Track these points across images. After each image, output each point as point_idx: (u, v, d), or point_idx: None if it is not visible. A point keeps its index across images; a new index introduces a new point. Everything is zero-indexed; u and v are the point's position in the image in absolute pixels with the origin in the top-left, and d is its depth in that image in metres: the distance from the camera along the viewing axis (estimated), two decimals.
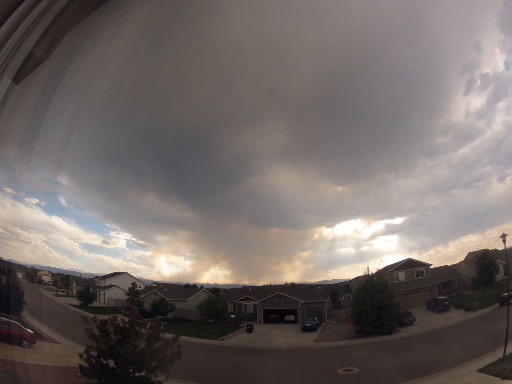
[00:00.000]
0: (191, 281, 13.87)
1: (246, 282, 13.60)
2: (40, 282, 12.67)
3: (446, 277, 12.28)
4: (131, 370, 9.36)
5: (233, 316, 13.58)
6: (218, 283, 13.66)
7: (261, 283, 13.52)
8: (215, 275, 13.37)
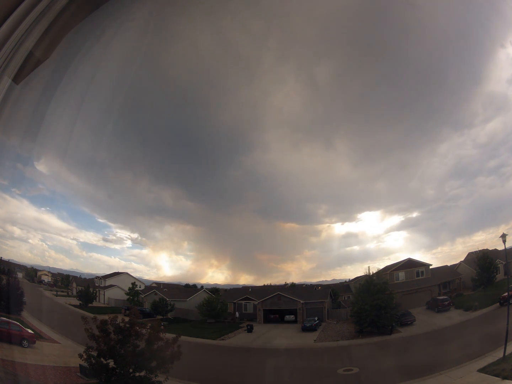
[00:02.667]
0: (191, 281, 13.86)
1: (248, 282, 13.36)
2: (40, 282, 12.67)
3: (446, 277, 12.26)
4: (131, 370, 9.37)
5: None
6: (218, 283, 13.64)
7: (262, 283, 13.31)
8: (215, 275, 13.33)
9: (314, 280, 13.07)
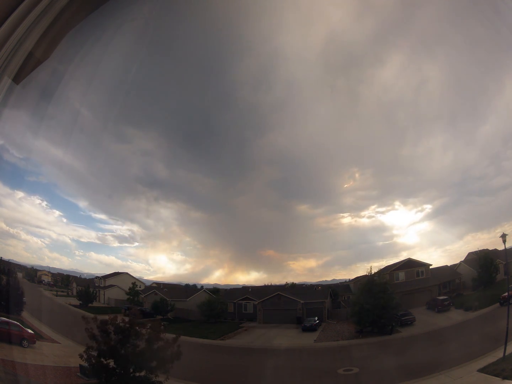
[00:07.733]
0: (191, 281, 13.85)
1: (250, 282, 13.14)
2: (40, 282, 12.67)
3: (446, 277, 12.26)
4: (131, 370, 9.38)
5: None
6: (218, 283, 13.63)
7: (264, 282, 13.16)
8: (215, 274, 13.30)
9: (314, 280, 13.03)
